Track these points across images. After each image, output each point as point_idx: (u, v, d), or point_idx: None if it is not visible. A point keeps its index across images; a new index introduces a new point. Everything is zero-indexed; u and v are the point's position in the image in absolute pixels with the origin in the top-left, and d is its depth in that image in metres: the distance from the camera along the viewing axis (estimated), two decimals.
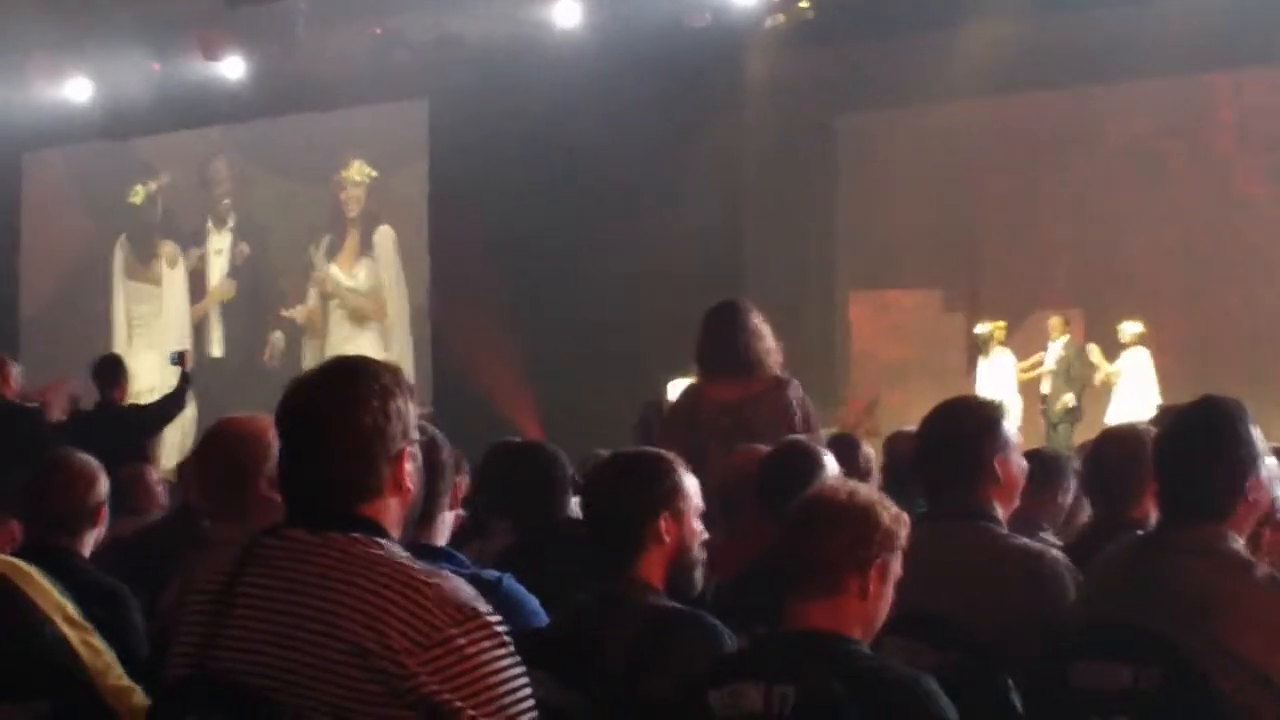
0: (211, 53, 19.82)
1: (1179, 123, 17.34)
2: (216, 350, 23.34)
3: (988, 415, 4.53)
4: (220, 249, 23.48)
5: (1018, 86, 17.54)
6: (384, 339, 21.63)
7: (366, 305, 22.26)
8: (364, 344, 21.17)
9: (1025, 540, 4.50)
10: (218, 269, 23.52)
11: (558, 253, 18.55)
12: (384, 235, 22.09)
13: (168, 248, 23.87)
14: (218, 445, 4.62)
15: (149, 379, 19.30)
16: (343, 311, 22.43)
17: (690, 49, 17.68)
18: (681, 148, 17.69)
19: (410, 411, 2.99)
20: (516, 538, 5.44)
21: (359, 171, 22.17)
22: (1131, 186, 17.35)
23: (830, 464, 5.15)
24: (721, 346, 7.03)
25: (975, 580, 4.24)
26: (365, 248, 22.28)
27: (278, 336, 22.71)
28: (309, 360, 21.66)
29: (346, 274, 22.39)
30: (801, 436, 5.93)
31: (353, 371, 2.99)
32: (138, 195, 23.95)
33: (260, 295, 23.03)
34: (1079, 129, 17.65)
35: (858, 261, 19.10)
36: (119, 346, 22.76)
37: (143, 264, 24.18)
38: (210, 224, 23.54)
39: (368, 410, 2.92)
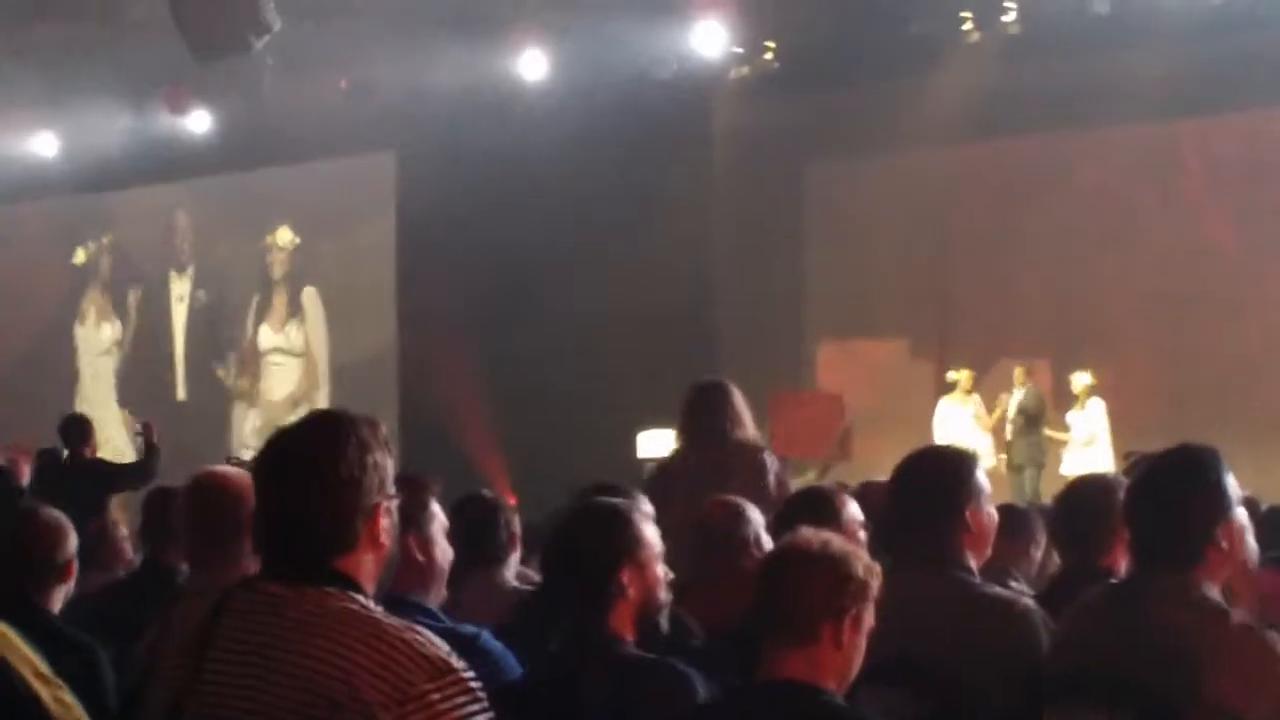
0: (179, 108, 19.88)
1: (1147, 169, 17.40)
2: (180, 394, 23.45)
3: (961, 465, 4.53)
4: (182, 294, 23.62)
5: (986, 134, 17.60)
6: (309, 399, 21.71)
7: (295, 366, 22.47)
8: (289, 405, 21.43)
9: (998, 589, 4.50)
10: (179, 317, 23.62)
11: (527, 303, 18.48)
12: (309, 296, 22.32)
13: (98, 300, 24.28)
14: (203, 495, 4.62)
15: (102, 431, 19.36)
16: (271, 372, 22.66)
17: (657, 100, 17.73)
18: (650, 198, 17.67)
19: (388, 466, 2.99)
20: None
21: (282, 237, 22.32)
22: (1100, 233, 17.40)
23: (852, 511, 5.13)
24: (705, 427, 7.37)
25: (948, 629, 4.23)
26: (294, 309, 22.49)
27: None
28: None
29: (278, 335, 22.62)
30: (825, 484, 5.96)
31: (330, 424, 2.99)
32: (80, 256, 24.35)
33: (219, 348, 23.14)
34: (1047, 176, 17.72)
35: (827, 310, 19.12)
36: (80, 399, 22.91)
37: (88, 318, 24.50)
38: (172, 272, 23.68)
39: (344, 463, 2.91)
